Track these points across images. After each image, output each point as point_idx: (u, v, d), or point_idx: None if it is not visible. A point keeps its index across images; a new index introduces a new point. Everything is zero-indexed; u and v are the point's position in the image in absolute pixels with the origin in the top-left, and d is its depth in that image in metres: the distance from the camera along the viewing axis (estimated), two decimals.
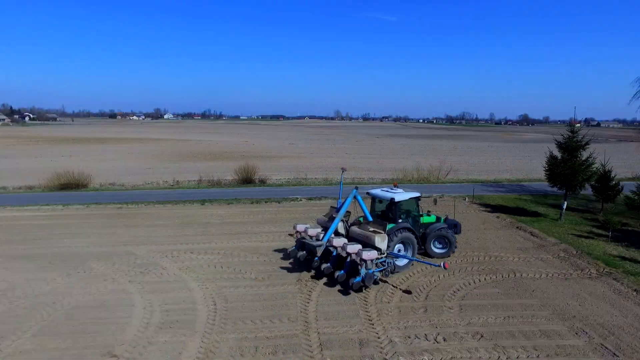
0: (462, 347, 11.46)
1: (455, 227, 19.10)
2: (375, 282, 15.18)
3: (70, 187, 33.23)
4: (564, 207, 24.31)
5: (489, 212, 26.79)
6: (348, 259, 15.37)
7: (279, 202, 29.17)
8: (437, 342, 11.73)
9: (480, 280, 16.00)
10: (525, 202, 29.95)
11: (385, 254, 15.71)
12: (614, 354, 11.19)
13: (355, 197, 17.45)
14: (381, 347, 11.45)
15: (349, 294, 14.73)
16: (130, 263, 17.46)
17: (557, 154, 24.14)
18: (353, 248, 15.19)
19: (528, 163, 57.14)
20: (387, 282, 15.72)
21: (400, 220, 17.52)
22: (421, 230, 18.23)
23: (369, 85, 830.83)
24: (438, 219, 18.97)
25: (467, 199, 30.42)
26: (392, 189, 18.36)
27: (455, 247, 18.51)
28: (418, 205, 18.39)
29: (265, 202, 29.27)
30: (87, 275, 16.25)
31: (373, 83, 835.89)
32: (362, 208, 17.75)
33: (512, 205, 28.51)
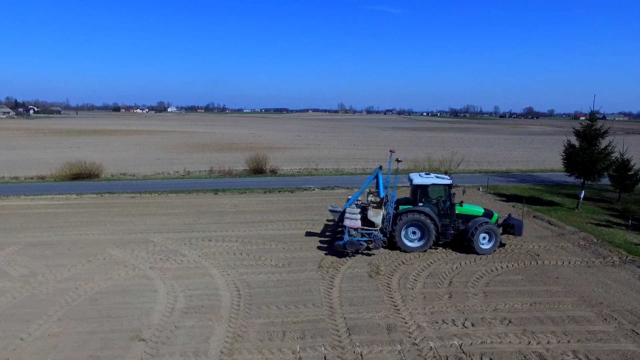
0: (491, 333, 11.37)
1: (512, 227, 17.73)
2: (358, 251, 16.83)
3: (82, 177, 33.23)
4: (582, 195, 24.08)
5: (504, 201, 26.62)
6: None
7: (291, 192, 29.05)
8: (466, 327, 11.64)
9: (502, 268, 15.88)
10: (539, 191, 29.73)
11: (379, 228, 16.93)
12: None
13: (376, 176, 18.28)
14: (409, 332, 11.37)
15: (372, 280, 14.67)
16: (149, 250, 17.41)
17: (575, 142, 23.86)
18: (348, 221, 16.83)
19: (537, 154, 56.88)
20: (410, 264, 15.64)
21: (420, 205, 17.48)
22: (459, 221, 17.64)
23: (373, 78, 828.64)
24: (488, 214, 17.88)
25: (480, 188, 30.24)
26: (427, 174, 18.50)
27: (499, 245, 17.32)
28: (448, 194, 17.70)
29: (278, 191, 29.16)
30: (107, 261, 16.22)
31: (377, 76, 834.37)
32: (378, 185, 18.11)
33: (526, 194, 28.26)
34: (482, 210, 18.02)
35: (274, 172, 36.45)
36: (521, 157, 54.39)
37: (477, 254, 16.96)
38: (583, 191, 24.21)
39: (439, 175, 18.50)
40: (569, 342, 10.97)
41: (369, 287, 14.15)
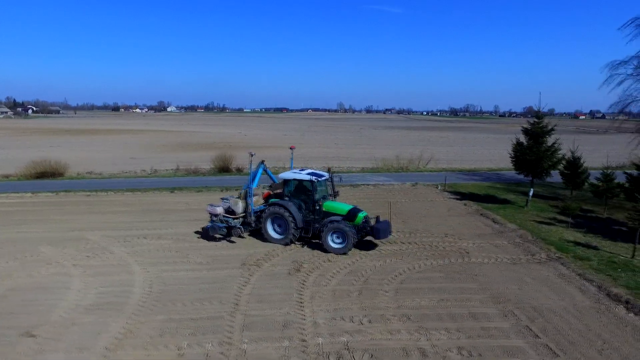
0: (384, 329, 11.34)
1: (371, 229, 17.02)
2: (227, 237, 18.19)
3: (46, 175, 33.25)
4: (531, 194, 24.07)
5: (457, 199, 26.57)
6: None
7: None
8: (361, 324, 11.61)
9: (425, 265, 15.85)
10: (497, 189, 29.72)
11: (239, 217, 18.17)
12: (537, 335, 11.04)
13: (258, 168, 18.88)
14: (303, 329, 11.35)
15: (289, 278, 14.69)
16: (79, 248, 17.43)
17: (524, 140, 23.83)
18: (210, 207, 18.36)
19: None
20: (331, 262, 15.64)
21: (286, 199, 17.98)
22: (323, 218, 17.37)
23: (373, 77, 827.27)
24: (353, 212, 17.18)
25: (439, 186, 30.20)
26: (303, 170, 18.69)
27: (352, 246, 16.74)
28: (312, 190, 17.46)
29: (236, 189, 29.03)
30: (34, 259, 16.24)
31: (377, 75, 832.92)
32: (254, 178, 18.59)
33: (483, 193, 28.24)
34: (347, 209, 17.42)
35: (239, 170, 36.51)
36: (499, 155, 53.85)
37: (327, 252, 16.87)
38: (532, 189, 24.19)
39: (316, 171, 18.36)
40: (458, 338, 10.93)
41: (284, 285, 14.15)
